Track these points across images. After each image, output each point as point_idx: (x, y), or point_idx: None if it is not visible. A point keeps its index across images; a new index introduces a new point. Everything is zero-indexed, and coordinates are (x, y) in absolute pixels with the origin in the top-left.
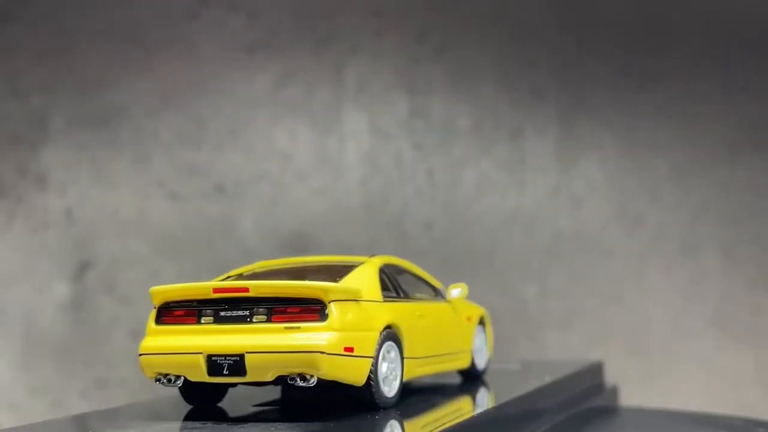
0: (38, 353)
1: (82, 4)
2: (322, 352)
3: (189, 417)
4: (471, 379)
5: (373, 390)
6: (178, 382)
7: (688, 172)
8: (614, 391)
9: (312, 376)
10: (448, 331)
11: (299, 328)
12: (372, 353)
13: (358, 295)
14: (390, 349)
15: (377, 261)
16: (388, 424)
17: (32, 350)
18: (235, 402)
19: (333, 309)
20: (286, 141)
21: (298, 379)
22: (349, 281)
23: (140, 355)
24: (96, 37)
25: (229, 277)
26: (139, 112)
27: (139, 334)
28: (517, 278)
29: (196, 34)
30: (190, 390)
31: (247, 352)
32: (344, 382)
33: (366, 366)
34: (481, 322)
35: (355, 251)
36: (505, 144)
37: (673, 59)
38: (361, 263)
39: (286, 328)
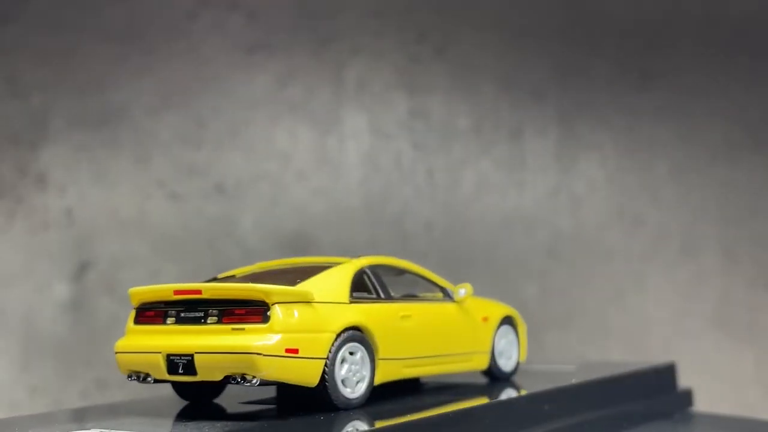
0: (38, 353)
1: (83, 4)
2: (259, 354)
3: (181, 415)
4: (496, 380)
5: (330, 391)
6: (149, 379)
7: (688, 171)
8: (688, 395)
9: (254, 377)
10: (451, 331)
11: (244, 329)
12: (324, 354)
13: (309, 297)
14: (354, 350)
15: (358, 262)
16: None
17: (32, 350)
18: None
19: (276, 311)
20: (286, 141)
21: (239, 379)
22: (307, 284)
23: (116, 353)
24: (96, 37)
25: (227, 277)
26: (139, 113)
27: None
28: (517, 278)
29: (196, 35)
30: (180, 386)
31: (196, 353)
32: (291, 383)
33: (316, 367)
34: (509, 322)
35: (355, 251)
36: (505, 144)
37: (673, 59)
38: (339, 264)
39: (233, 329)
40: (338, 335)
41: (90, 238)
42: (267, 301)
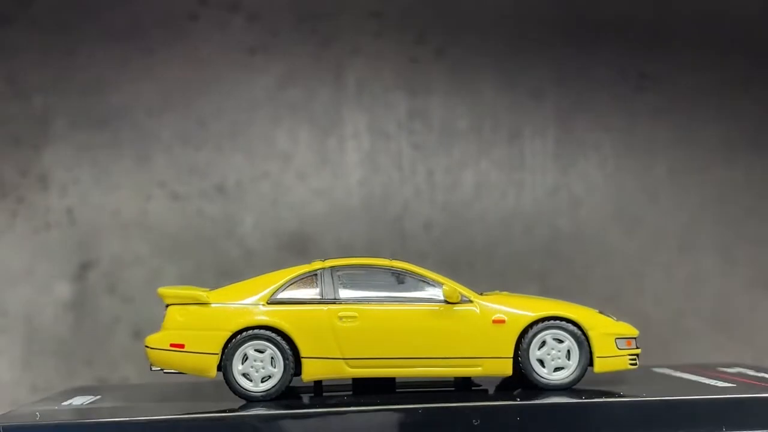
0: (40, 352)
1: (84, 5)
2: (148, 347)
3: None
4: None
5: (229, 384)
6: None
7: (687, 172)
8: None
9: (153, 366)
10: (419, 334)
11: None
12: (216, 350)
13: (202, 299)
14: (262, 348)
15: (308, 267)
16: None
17: (34, 350)
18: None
19: (169, 311)
20: (286, 141)
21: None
22: (220, 289)
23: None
24: (97, 38)
25: None
26: (140, 113)
27: (140, 333)
28: (516, 278)
29: (197, 35)
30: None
31: (145, 346)
32: (188, 373)
33: (208, 361)
34: (561, 327)
35: (355, 251)
36: (505, 144)
37: (672, 60)
38: (287, 269)
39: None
40: (235, 334)
41: (91, 238)
42: (165, 302)
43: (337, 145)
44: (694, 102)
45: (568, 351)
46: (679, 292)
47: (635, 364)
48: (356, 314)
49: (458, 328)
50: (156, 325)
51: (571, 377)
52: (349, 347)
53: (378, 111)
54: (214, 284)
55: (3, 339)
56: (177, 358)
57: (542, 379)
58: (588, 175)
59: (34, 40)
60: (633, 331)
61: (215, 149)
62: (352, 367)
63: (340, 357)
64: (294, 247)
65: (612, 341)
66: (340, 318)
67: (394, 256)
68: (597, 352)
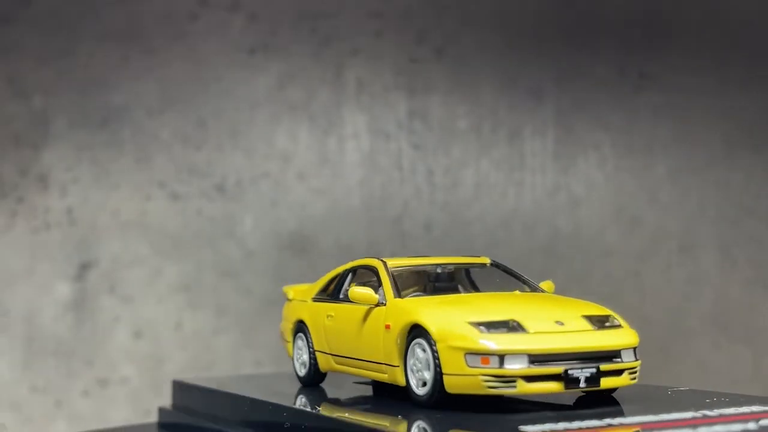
0: (40, 352)
1: (84, 5)
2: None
3: None
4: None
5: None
6: None
7: (686, 172)
8: None
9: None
10: (356, 336)
11: None
12: (287, 339)
13: (286, 295)
14: (301, 338)
15: (346, 266)
16: None
17: (34, 349)
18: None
19: None
20: (286, 141)
21: None
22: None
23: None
24: (97, 38)
25: None
26: (140, 113)
27: (140, 333)
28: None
29: (197, 35)
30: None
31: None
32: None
33: (289, 349)
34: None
35: (355, 251)
36: (504, 144)
37: (671, 60)
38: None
39: None
40: (293, 324)
41: (91, 238)
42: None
43: (337, 145)
44: (693, 102)
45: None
46: (678, 291)
47: (493, 387)
48: (333, 313)
49: (368, 331)
50: (156, 325)
51: (428, 393)
52: (330, 344)
53: (378, 111)
54: (214, 284)
55: (3, 339)
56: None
57: (412, 393)
58: (588, 174)
59: (34, 40)
60: (482, 348)
61: (215, 149)
62: (336, 363)
63: (327, 352)
64: (294, 247)
65: (461, 357)
66: (327, 316)
67: (393, 255)
68: (444, 368)
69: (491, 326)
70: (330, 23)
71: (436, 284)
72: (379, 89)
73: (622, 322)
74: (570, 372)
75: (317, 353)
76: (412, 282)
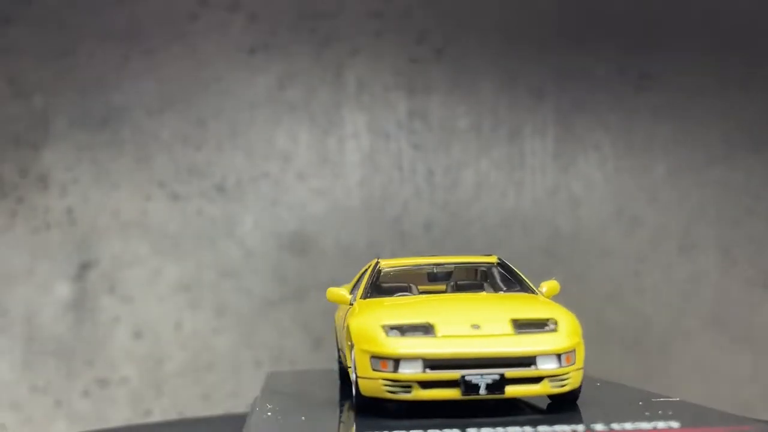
0: (40, 353)
1: (84, 5)
2: None
3: None
4: None
5: None
6: None
7: (686, 172)
8: None
9: None
10: (340, 337)
11: None
12: None
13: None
14: None
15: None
16: None
17: (34, 350)
18: None
19: None
20: (286, 141)
21: None
22: None
23: None
24: (97, 38)
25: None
26: (140, 113)
27: (140, 333)
28: None
29: (197, 35)
30: None
31: None
32: None
33: None
34: None
35: (355, 251)
36: (504, 144)
37: (671, 60)
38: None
39: None
40: None
41: (91, 238)
42: None
43: (337, 145)
44: (693, 102)
45: None
46: (678, 291)
47: (392, 392)
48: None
49: (340, 331)
50: (156, 325)
51: (353, 396)
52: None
53: (378, 111)
54: (214, 284)
55: (3, 339)
56: None
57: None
58: (588, 174)
59: (34, 40)
60: (381, 351)
61: (215, 149)
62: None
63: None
64: (294, 247)
65: (368, 360)
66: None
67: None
68: (358, 371)
69: (404, 329)
70: (330, 23)
71: (428, 284)
72: (379, 89)
73: (566, 327)
74: (468, 378)
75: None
76: (405, 281)
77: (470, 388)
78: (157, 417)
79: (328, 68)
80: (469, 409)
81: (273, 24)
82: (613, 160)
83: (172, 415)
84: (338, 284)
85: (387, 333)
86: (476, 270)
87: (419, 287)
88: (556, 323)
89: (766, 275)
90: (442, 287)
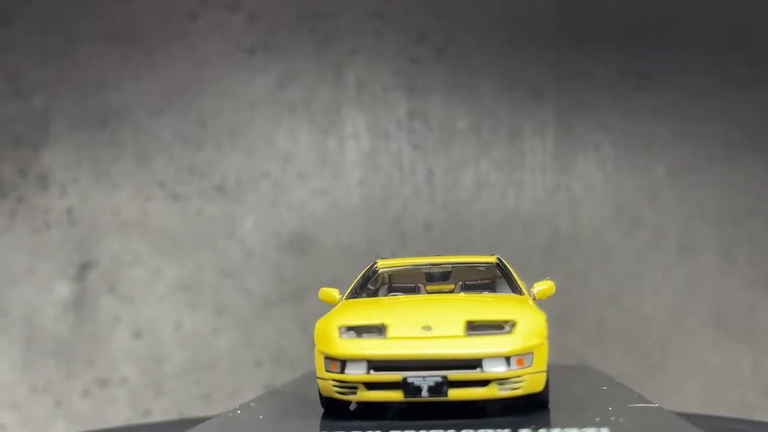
0: (40, 352)
1: (84, 5)
2: None
3: None
4: None
5: None
6: None
7: (686, 172)
8: None
9: None
10: None
11: None
12: None
13: None
14: None
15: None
16: None
17: (34, 349)
18: None
19: None
20: (286, 141)
21: None
22: None
23: None
24: (97, 38)
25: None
26: (140, 113)
27: (140, 333)
28: None
29: (197, 35)
30: None
31: None
32: None
33: None
34: None
35: (355, 251)
36: (504, 144)
37: (671, 60)
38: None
39: None
40: None
41: (91, 238)
42: None
43: (337, 145)
44: (693, 101)
45: None
46: (678, 291)
47: (341, 393)
48: None
49: None
50: (155, 325)
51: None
52: None
53: (378, 111)
54: (214, 284)
55: (3, 339)
56: None
57: None
58: (588, 174)
59: (34, 39)
60: (330, 352)
61: (215, 149)
62: None
63: None
64: (294, 247)
65: (323, 361)
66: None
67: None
68: (317, 371)
69: (360, 331)
70: (330, 23)
71: (417, 284)
72: (379, 89)
73: (524, 329)
74: (410, 380)
75: None
76: (411, 282)
77: (412, 390)
78: (157, 417)
79: (328, 68)
80: (457, 410)
81: (273, 24)
82: (613, 160)
83: (172, 415)
84: (339, 284)
85: (340, 334)
86: (479, 270)
87: (427, 287)
88: (514, 325)
89: (766, 275)
90: (450, 287)
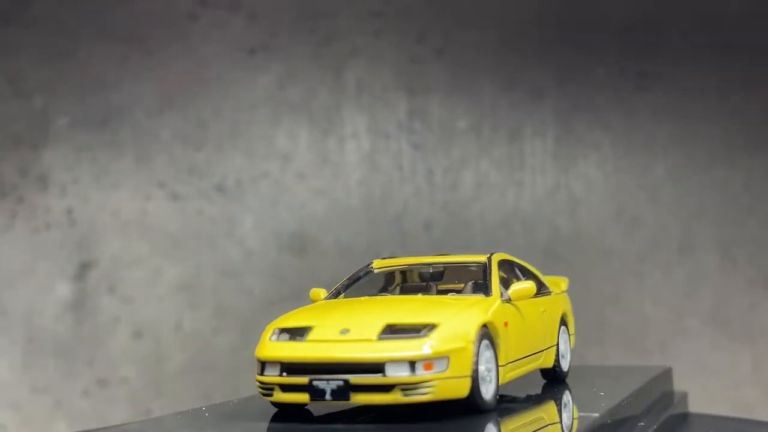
0: (40, 353)
1: (84, 5)
2: None
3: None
4: None
5: None
6: None
7: (686, 172)
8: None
9: None
10: None
11: None
12: None
13: None
14: None
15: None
16: None
17: (34, 350)
18: None
19: None
20: (286, 141)
21: None
22: None
23: None
24: (97, 38)
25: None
26: (140, 113)
27: (140, 333)
28: None
29: (197, 35)
30: None
31: None
32: None
33: None
34: None
35: (355, 251)
36: (504, 144)
37: (671, 60)
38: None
39: None
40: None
41: (91, 238)
42: None
43: (337, 145)
44: (693, 101)
45: None
46: (678, 291)
47: (264, 395)
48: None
49: None
50: (156, 325)
51: None
52: None
53: (378, 111)
54: (214, 284)
55: (3, 339)
56: None
57: None
58: (588, 174)
59: (34, 39)
60: (256, 354)
61: (215, 149)
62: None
63: None
64: (294, 247)
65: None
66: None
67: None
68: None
69: (291, 333)
70: (330, 23)
71: (405, 285)
72: (379, 89)
73: (443, 333)
74: (315, 383)
75: None
76: (412, 281)
77: (317, 393)
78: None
79: (327, 68)
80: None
81: (273, 24)
82: (613, 160)
83: None
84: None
85: (271, 336)
86: (471, 270)
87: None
88: (433, 328)
89: (767, 275)
90: (443, 286)
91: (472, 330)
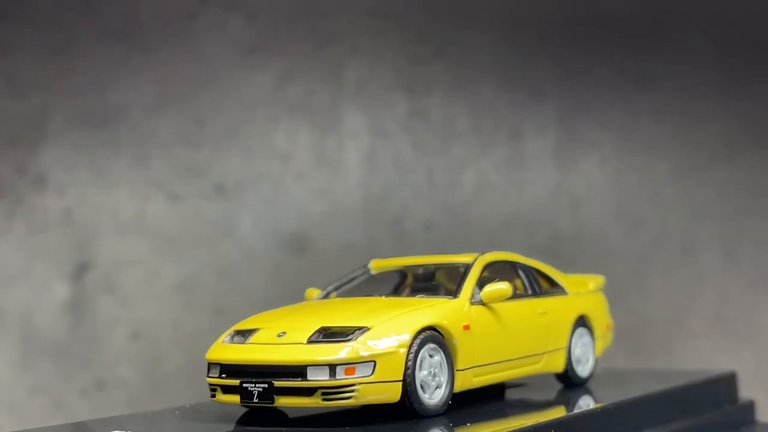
0: (37, 353)
1: (82, 4)
2: None
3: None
4: None
5: None
6: None
7: (688, 172)
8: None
9: None
10: None
11: None
12: None
13: None
14: None
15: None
16: None
17: (31, 350)
18: None
19: None
20: (285, 141)
21: None
22: None
23: None
24: (95, 37)
25: None
26: (139, 113)
27: (138, 334)
28: None
29: (196, 35)
30: None
31: None
32: None
33: None
34: None
35: (355, 251)
36: (505, 144)
37: (672, 60)
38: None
39: None
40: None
41: (89, 238)
42: None
43: (337, 145)
44: (695, 101)
45: None
46: (680, 292)
47: (211, 395)
48: None
49: None
50: (154, 326)
51: None
52: None
53: (378, 111)
54: (213, 285)
55: (0, 340)
56: None
57: None
58: (589, 174)
59: (33, 38)
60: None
61: (214, 149)
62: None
63: None
64: (293, 247)
65: None
66: None
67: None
68: None
69: (243, 335)
70: (330, 23)
71: (402, 285)
72: (379, 89)
73: (372, 337)
74: (244, 386)
75: None
76: (388, 282)
77: (246, 395)
78: None
79: (327, 68)
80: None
81: (272, 24)
82: (614, 160)
83: None
84: None
85: (225, 338)
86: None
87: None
88: (364, 332)
89: None
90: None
91: (408, 334)
